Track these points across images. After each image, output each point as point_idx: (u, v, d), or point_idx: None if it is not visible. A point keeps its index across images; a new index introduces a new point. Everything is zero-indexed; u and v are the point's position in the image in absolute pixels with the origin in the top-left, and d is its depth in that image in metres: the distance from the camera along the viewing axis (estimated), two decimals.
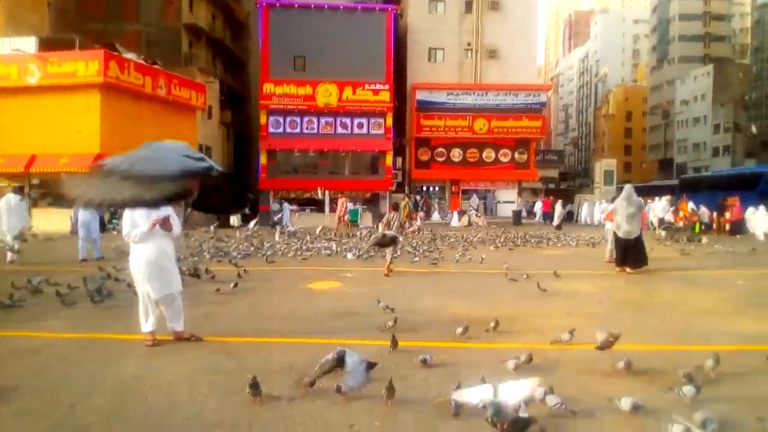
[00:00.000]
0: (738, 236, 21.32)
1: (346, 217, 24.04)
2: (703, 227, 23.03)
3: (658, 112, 70.24)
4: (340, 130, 32.39)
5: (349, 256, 13.47)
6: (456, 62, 36.20)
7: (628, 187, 11.68)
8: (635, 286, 9.57)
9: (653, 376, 4.53)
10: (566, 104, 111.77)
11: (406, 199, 21.80)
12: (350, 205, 29.31)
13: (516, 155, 35.38)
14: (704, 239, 18.65)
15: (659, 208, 22.40)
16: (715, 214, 24.10)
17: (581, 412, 3.76)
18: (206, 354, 5.27)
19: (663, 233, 19.46)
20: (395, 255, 11.59)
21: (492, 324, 5.96)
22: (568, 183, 72.12)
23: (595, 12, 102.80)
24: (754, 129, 53.97)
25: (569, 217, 31.05)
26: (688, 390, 3.84)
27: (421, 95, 34.12)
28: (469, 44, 36.00)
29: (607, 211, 12.28)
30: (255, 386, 3.94)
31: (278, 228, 20.82)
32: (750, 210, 21.69)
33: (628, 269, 11.07)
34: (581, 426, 3.64)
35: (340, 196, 26.24)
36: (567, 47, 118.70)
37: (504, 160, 35.33)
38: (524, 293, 8.60)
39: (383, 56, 32.34)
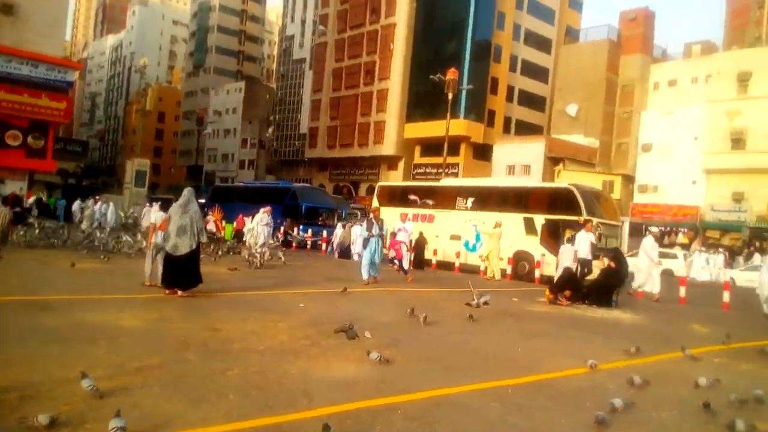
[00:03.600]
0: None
1: None
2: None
3: (192, 117, 71.66)
4: None
5: None
6: None
7: (187, 191, 9.66)
8: (194, 316, 7.70)
9: None
10: (94, 93, 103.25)
11: None
12: None
13: (30, 139, 29.13)
14: (244, 251, 18.40)
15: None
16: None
17: None
18: None
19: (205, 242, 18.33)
20: None
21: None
22: (92, 179, 66.07)
23: (133, 1, 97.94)
24: None
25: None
26: None
27: None
28: None
29: (160, 221, 10.00)
30: None
31: None
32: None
33: (180, 292, 9.10)
34: None
35: None
36: (99, 31, 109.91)
37: (13, 143, 28.55)
38: (32, 333, 5.58)
39: None
